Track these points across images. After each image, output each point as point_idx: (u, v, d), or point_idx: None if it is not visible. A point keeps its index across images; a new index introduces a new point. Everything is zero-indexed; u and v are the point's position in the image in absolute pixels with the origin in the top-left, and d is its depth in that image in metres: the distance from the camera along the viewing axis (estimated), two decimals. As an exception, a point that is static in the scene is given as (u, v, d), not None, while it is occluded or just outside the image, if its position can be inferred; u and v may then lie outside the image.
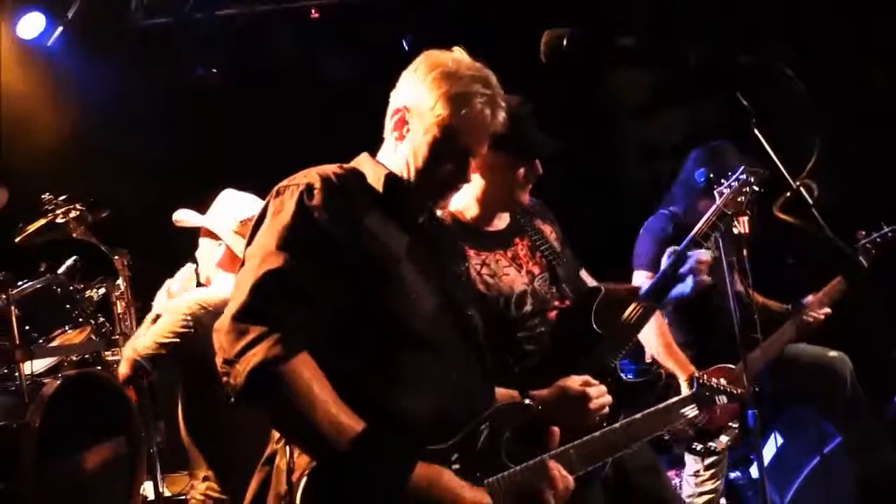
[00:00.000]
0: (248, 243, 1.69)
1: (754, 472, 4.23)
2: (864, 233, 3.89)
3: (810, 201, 1.54)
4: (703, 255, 2.52)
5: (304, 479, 1.56)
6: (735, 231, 2.76)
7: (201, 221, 3.18)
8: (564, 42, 1.77)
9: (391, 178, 1.79)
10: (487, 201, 2.37)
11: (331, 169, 1.76)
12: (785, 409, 4.21)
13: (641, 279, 3.47)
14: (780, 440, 4.36)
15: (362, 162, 1.86)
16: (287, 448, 1.62)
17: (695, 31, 4.51)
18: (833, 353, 3.87)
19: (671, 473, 3.93)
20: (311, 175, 1.72)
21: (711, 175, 2.75)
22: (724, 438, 3.33)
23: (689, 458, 3.67)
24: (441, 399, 1.70)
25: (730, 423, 3.37)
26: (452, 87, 1.76)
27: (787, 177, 1.55)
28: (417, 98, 1.78)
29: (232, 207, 3.16)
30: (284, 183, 1.72)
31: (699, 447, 3.35)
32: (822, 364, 3.85)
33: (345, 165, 1.83)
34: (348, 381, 1.61)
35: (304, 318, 1.58)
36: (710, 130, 3.60)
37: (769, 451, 4.26)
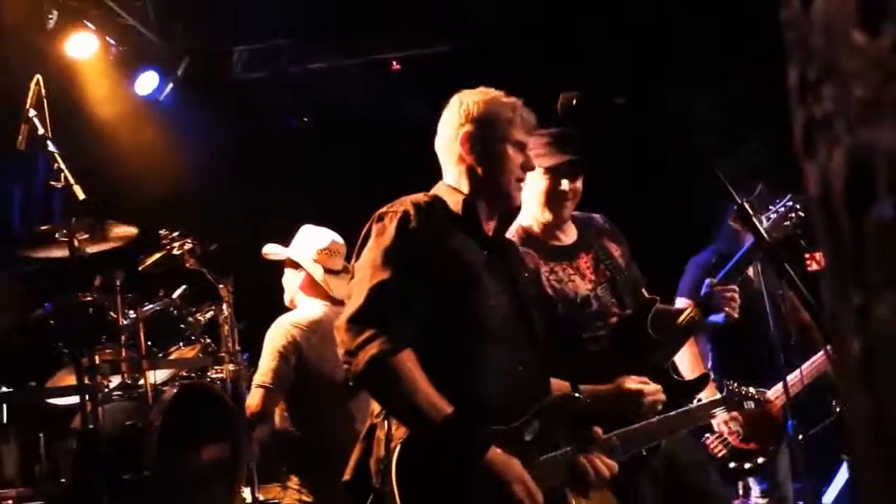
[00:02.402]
0: (357, 258, 2.09)
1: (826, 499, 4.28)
2: None
3: (752, 214, 1.89)
4: (735, 288, 2.70)
5: (398, 447, 1.92)
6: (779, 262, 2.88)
7: (286, 253, 3.69)
8: (575, 102, 2.16)
9: (468, 202, 2.16)
10: (543, 215, 2.74)
11: (420, 198, 2.16)
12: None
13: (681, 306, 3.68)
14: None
15: (441, 189, 2.23)
16: (385, 422, 1.99)
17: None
18: None
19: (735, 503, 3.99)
20: (406, 203, 2.10)
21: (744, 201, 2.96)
22: (760, 460, 3.43)
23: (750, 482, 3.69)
24: (509, 387, 2.05)
25: (769, 447, 3.48)
26: (494, 101, 2.20)
27: (735, 196, 1.90)
28: (477, 119, 2.18)
29: (310, 240, 3.67)
30: (384, 209, 2.11)
31: (733, 466, 3.42)
32: None
33: (429, 194, 2.22)
34: (438, 370, 1.96)
35: (406, 321, 1.96)
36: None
37: (841, 478, 4.31)
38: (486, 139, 2.16)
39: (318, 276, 3.58)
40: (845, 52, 0.45)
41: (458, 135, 2.18)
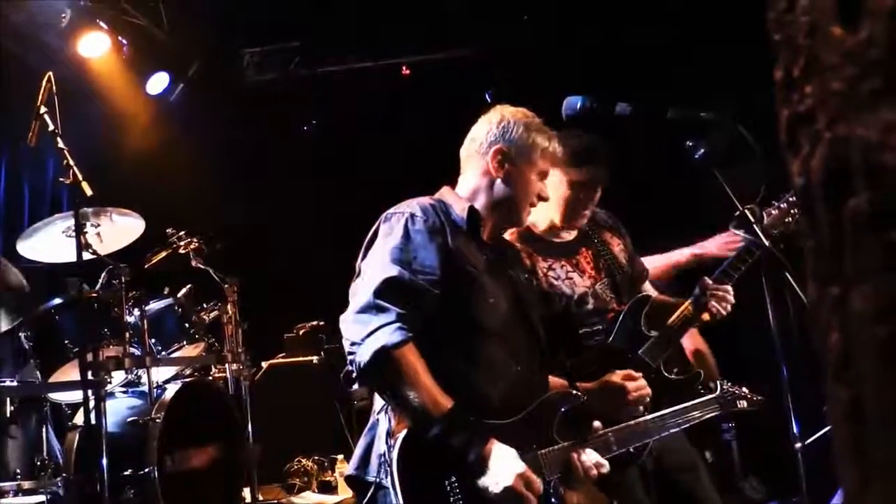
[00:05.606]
0: (363, 258, 2.11)
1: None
2: None
3: (753, 220, 1.89)
4: (728, 288, 2.66)
5: (399, 440, 1.94)
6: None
7: None
8: (579, 105, 2.18)
9: (473, 210, 2.20)
10: (555, 218, 2.75)
11: (426, 200, 2.19)
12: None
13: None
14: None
15: (446, 194, 2.27)
16: (387, 417, 2.01)
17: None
18: None
19: None
20: (413, 205, 2.14)
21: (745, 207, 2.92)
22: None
23: None
24: (507, 384, 2.08)
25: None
26: (534, 127, 2.23)
27: (737, 203, 1.91)
28: (514, 139, 2.21)
29: None
30: (391, 211, 2.14)
31: None
32: None
33: (434, 197, 2.25)
34: (437, 367, 1.98)
35: (412, 315, 1.98)
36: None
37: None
38: (517, 161, 2.21)
39: None
40: (825, 48, 0.47)
41: (492, 149, 2.23)
